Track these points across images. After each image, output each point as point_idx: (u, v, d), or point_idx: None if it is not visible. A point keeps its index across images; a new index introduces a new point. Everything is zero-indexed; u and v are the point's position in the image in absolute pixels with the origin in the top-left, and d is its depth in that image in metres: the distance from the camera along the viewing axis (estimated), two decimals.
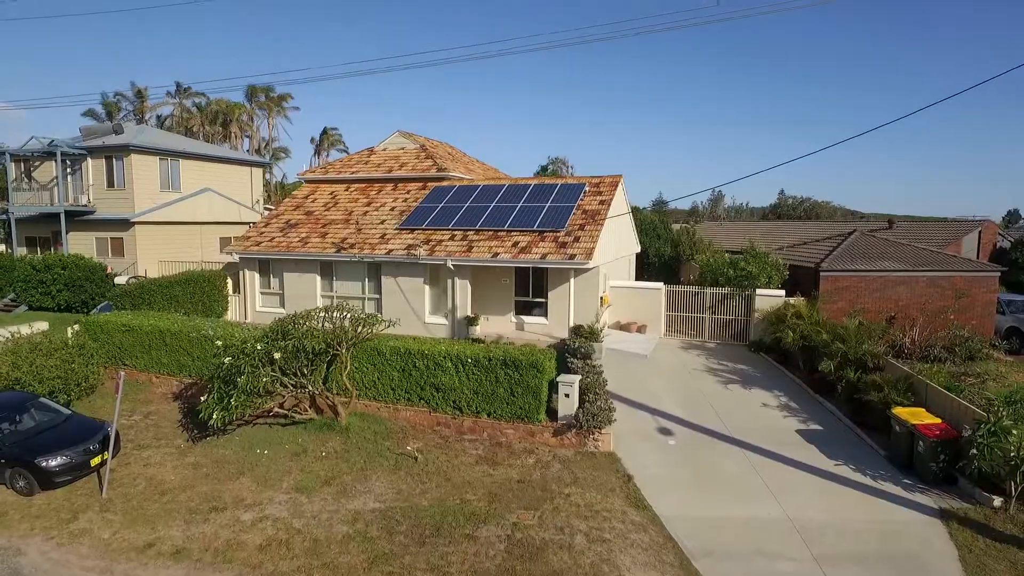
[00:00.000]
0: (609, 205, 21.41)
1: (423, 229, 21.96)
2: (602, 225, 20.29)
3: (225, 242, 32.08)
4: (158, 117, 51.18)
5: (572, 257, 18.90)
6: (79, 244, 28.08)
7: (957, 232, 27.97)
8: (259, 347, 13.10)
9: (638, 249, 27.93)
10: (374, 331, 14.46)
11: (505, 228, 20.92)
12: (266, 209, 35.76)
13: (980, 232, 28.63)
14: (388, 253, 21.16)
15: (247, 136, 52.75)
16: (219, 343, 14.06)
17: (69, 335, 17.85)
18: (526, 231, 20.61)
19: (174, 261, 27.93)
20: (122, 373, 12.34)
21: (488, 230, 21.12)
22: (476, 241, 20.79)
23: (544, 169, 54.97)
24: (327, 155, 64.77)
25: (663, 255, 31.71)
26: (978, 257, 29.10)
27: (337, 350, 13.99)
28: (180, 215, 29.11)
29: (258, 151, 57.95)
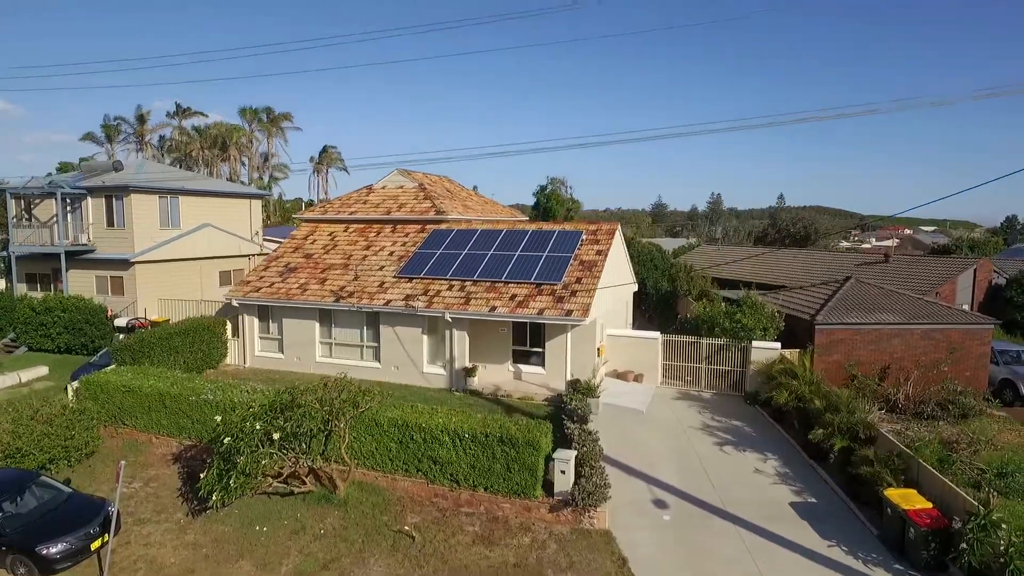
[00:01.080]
0: (606, 256, 21.58)
1: (421, 278, 22.11)
2: (599, 278, 20.45)
3: (224, 276, 32.23)
4: (160, 138, 51.33)
5: (569, 313, 19.06)
6: (79, 282, 28.21)
7: (952, 270, 28.15)
8: (258, 426, 13.22)
9: (635, 288, 28.06)
10: (372, 404, 14.56)
11: (503, 279, 21.08)
12: (266, 240, 35.88)
13: (975, 270, 28.81)
14: (386, 304, 21.30)
15: (245, 161, 52.86)
16: (218, 419, 14.18)
17: (69, 395, 18.00)
18: (523, 283, 20.76)
19: (174, 299, 28.08)
20: (122, 463, 12.49)
21: (486, 281, 21.27)
22: (474, 292, 20.94)
23: (543, 190, 55.16)
24: (327, 173, 65.09)
25: (661, 289, 31.87)
26: (974, 294, 29.30)
27: (335, 425, 14.11)
28: (179, 252, 29.24)
29: (257, 169, 58.21)
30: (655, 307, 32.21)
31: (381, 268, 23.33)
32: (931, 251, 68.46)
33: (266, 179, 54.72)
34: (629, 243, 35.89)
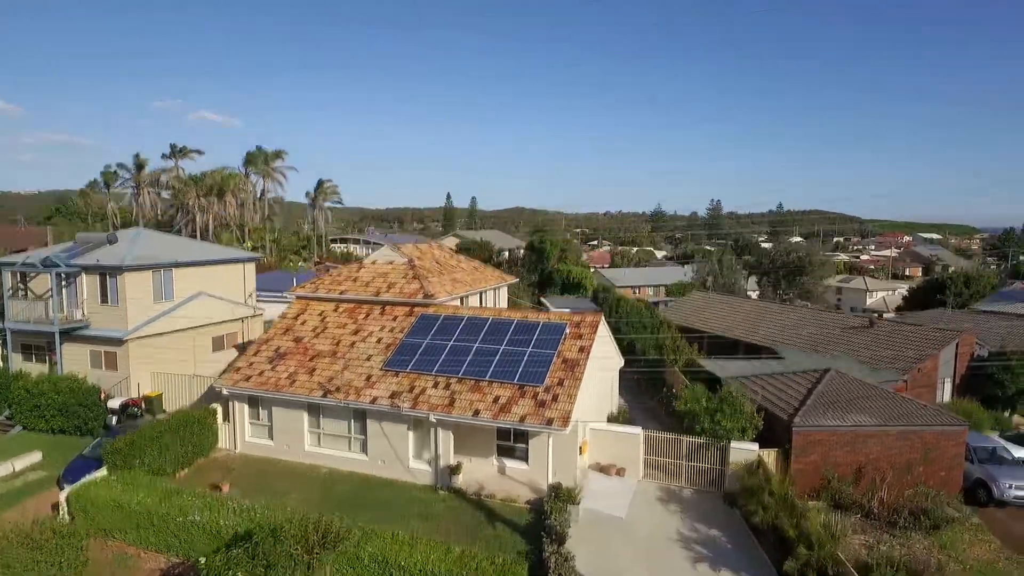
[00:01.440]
0: (588, 353, 21.99)
1: (407, 372, 22.52)
2: (580, 380, 20.87)
3: (218, 341, 32.65)
4: (156, 182, 51.87)
5: (550, 422, 19.49)
6: (74, 355, 28.64)
7: (935, 344, 28.49)
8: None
9: (621, 363, 28.40)
10: (350, 547, 14.96)
11: (487, 378, 21.49)
12: (260, 301, 36.24)
13: (957, 344, 29.20)
14: (373, 401, 21.72)
15: (242, 201, 53.46)
16: (202, 560, 14.56)
17: (61, 512, 18.43)
18: (506, 383, 21.18)
19: (167, 374, 28.52)
20: None
21: (470, 379, 21.68)
22: (458, 392, 21.35)
23: (537, 231, 55.73)
24: (324, 205, 65.64)
25: (649, 355, 32.29)
26: (955, 368, 29.68)
27: (318, 568, 14.49)
28: (173, 324, 29.65)
29: (254, 204, 58.79)
30: (643, 376, 32.57)
31: (368, 358, 23.73)
32: (926, 282, 68.56)
33: (262, 216, 55.37)
34: (617, 304, 36.42)
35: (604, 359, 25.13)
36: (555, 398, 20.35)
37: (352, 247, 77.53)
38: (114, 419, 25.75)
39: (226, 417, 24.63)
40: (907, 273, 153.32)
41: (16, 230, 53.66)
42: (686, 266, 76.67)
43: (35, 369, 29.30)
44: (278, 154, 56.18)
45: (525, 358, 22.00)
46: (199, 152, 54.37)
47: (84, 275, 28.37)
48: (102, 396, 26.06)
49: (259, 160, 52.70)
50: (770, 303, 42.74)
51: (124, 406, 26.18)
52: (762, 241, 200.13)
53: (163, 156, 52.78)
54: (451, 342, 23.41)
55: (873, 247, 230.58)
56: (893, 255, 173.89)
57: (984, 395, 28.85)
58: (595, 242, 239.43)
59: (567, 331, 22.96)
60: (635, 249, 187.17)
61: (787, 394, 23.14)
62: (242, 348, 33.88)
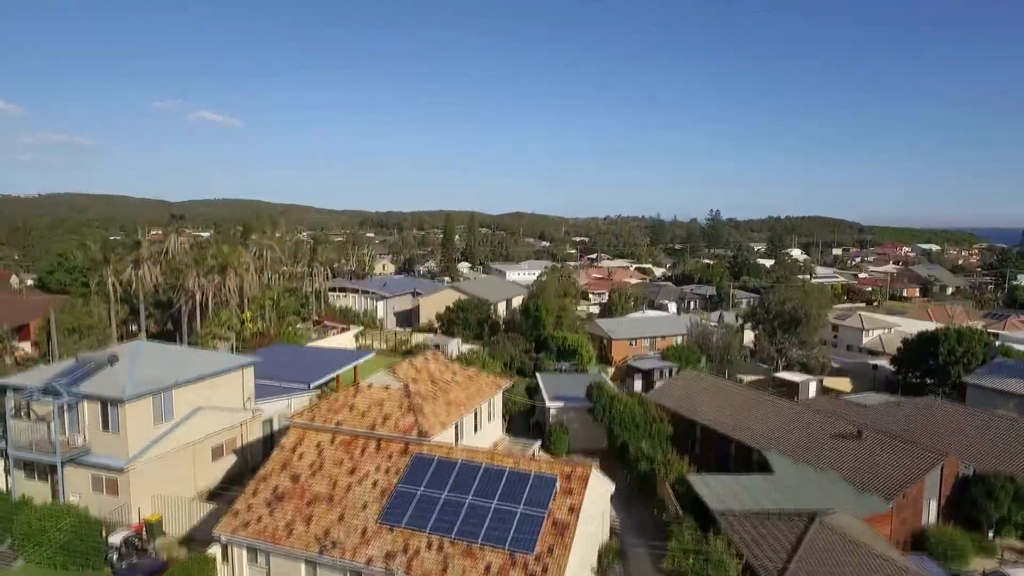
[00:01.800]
0: (578, 512, 22.57)
1: (402, 529, 23.11)
2: (569, 548, 21.45)
3: (217, 451, 33.18)
4: (157, 249, 52.56)
5: None
6: (75, 479, 29.20)
7: (920, 469, 28.96)
8: None
9: (612, 489, 28.86)
10: None
11: (478, 542, 22.10)
12: (259, 403, 36.68)
13: (943, 467, 29.72)
14: (368, 562, 22.35)
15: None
16: None
17: None
18: (498, 549, 21.77)
19: (167, 497, 29.08)
20: None
21: (462, 541, 22.28)
22: (451, 555, 21.96)
23: (532, 296, 56.33)
24: (320, 258, 66.39)
25: (641, 467, 32.88)
26: (940, 490, 30.19)
27: None
28: (173, 443, 30.19)
29: (254, 271, 59.54)
30: (636, 482, 33.16)
31: (364, 506, 24.30)
32: (919, 337, 68.52)
33: (261, 284, 56.13)
34: (610, 405, 36.98)
35: (593, 499, 25.65)
36: (544, 569, 20.92)
37: (351, 297, 78.01)
38: (115, 555, 26.26)
39: (225, 558, 25.18)
40: (905, 294, 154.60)
41: (17, 299, 54.32)
42: (682, 314, 76.89)
43: (37, 490, 29.87)
44: (275, 221, 56.96)
45: (516, 519, 22.55)
46: (199, 233, 55.30)
47: (86, 402, 28.91)
48: (103, 533, 26.59)
49: (261, 224, 53.59)
50: (759, 392, 43.21)
51: (125, 540, 26.69)
52: (760, 257, 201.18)
53: (161, 231, 53.45)
54: (444, 494, 23.95)
55: (872, 259, 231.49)
56: (891, 272, 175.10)
57: (968, 519, 29.37)
58: (594, 255, 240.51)
59: (558, 486, 23.50)
60: (633, 266, 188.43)
61: (772, 544, 23.71)
62: (240, 453, 34.57)
